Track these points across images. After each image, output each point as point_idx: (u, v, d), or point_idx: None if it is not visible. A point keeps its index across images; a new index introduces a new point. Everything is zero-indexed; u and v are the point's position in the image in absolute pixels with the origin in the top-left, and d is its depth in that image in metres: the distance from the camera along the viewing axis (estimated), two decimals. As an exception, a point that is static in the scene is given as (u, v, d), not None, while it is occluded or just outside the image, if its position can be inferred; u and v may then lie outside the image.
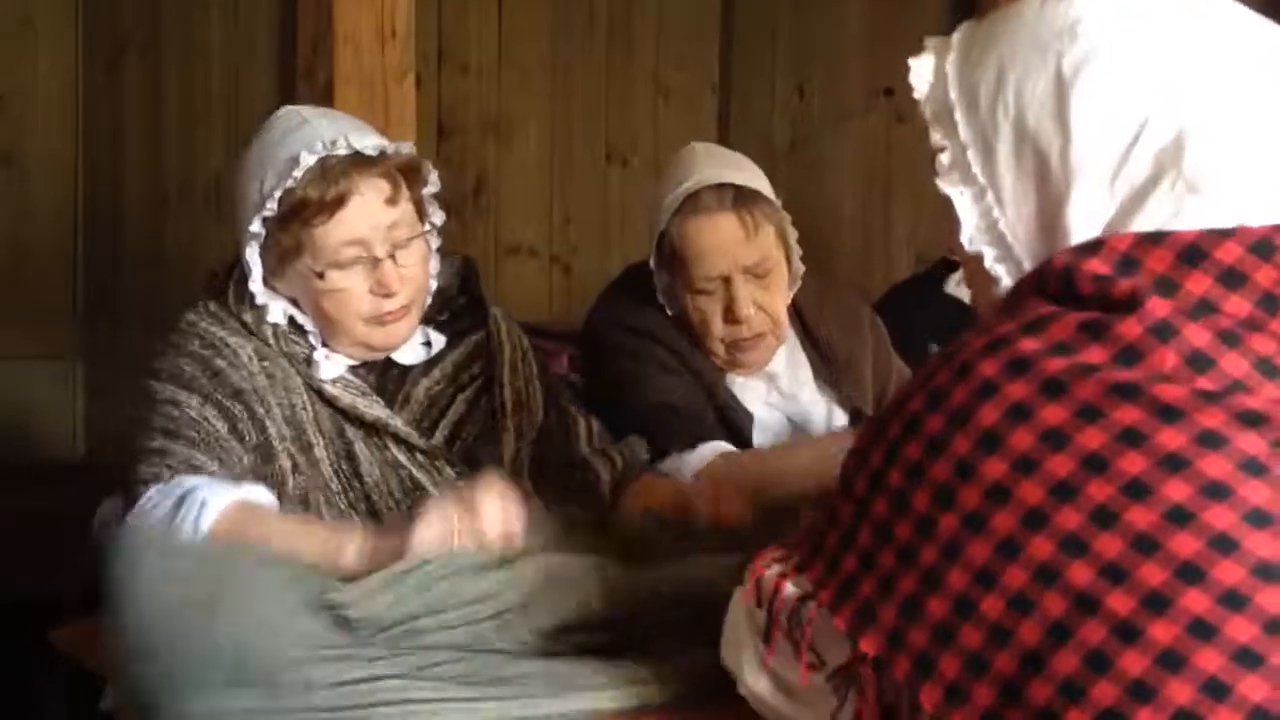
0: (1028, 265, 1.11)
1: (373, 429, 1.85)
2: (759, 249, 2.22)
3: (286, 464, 1.79)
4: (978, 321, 1.13)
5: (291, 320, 1.87)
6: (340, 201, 1.79)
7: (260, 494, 1.71)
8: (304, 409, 1.84)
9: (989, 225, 1.12)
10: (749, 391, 2.32)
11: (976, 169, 1.11)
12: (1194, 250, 1.02)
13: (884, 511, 1.04)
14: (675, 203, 2.21)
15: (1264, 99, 1.07)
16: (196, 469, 1.71)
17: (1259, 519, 0.94)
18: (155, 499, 1.68)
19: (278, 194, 1.78)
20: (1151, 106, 1.05)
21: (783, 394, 2.36)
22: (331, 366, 1.86)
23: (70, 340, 3.70)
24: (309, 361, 1.85)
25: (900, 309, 2.75)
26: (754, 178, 2.29)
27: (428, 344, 1.98)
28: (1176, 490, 0.95)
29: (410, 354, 1.96)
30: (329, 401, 1.84)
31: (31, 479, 3.28)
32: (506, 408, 1.96)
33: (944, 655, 0.99)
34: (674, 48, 4.23)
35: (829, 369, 2.40)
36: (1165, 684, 0.92)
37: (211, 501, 1.65)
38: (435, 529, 1.53)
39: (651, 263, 2.27)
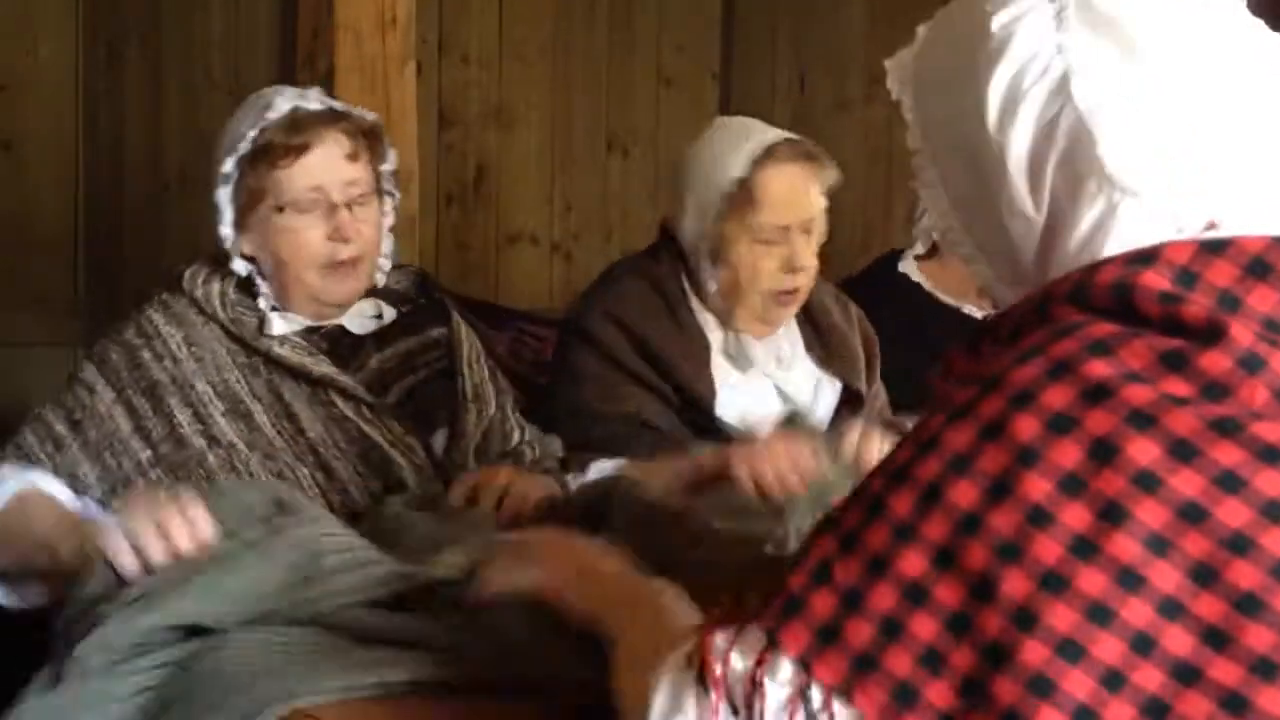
0: (994, 264, 1.06)
1: (318, 384, 1.95)
2: (816, 205, 2.38)
3: (200, 444, 1.89)
4: (981, 329, 1.04)
5: (244, 288, 1.99)
6: (305, 148, 1.93)
7: (49, 483, 1.81)
8: (238, 382, 1.94)
9: (951, 225, 1.08)
10: (758, 352, 2.41)
11: (931, 170, 1.08)
12: (1259, 263, 0.93)
13: (917, 571, 0.90)
14: (756, 150, 2.33)
15: (1190, 76, 0.98)
16: (76, 478, 1.84)
17: None
18: None
19: (251, 135, 1.93)
20: (1057, 104, 0.98)
21: (779, 362, 2.44)
22: (283, 324, 1.98)
23: (71, 328, 3.70)
24: (261, 322, 1.97)
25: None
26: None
27: (379, 316, 2.07)
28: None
29: (360, 323, 2.05)
30: (275, 363, 1.95)
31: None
32: (468, 394, 2.05)
33: None
34: (675, 36, 4.23)
35: (822, 344, 2.48)
36: None
37: (8, 484, 1.78)
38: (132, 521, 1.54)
39: (714, 213, 2.34)
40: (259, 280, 2.00)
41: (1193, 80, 0.98)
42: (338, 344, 2.02)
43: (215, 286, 1.99)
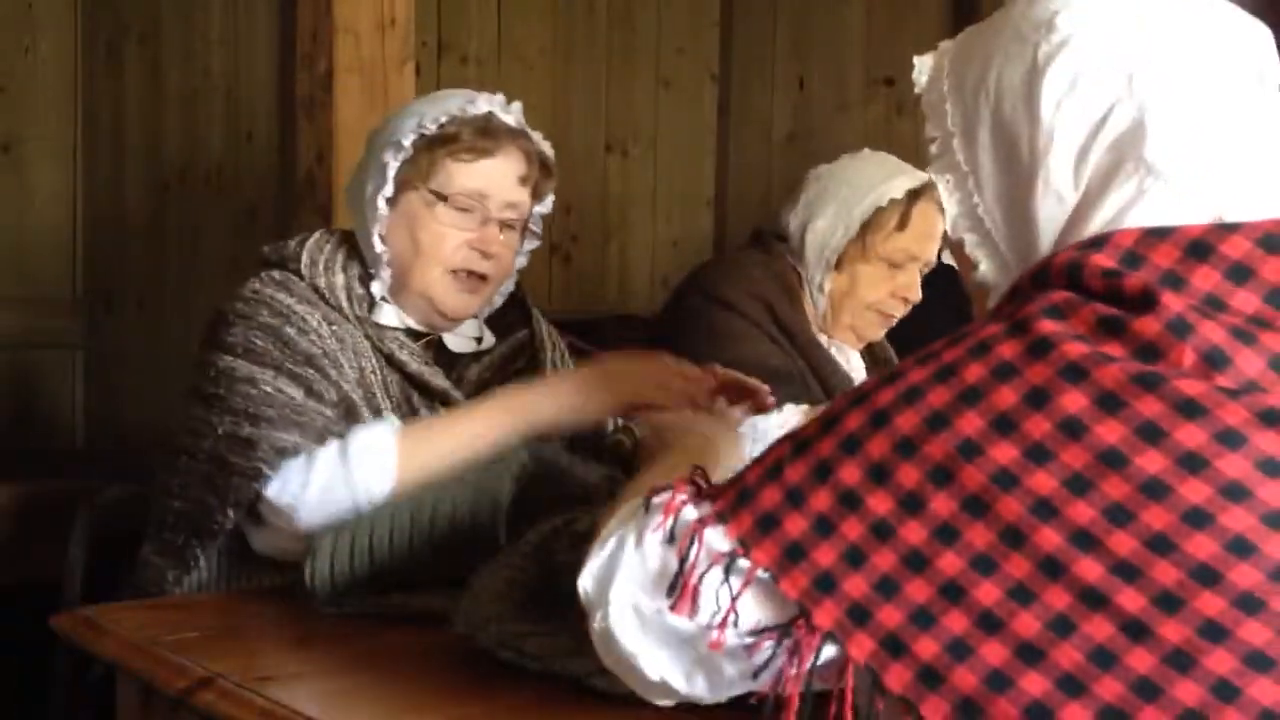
0: (1004, 250, 1.13)
1: (436, 398, 1.92)
2: (934, 253, 2.57)
3: (369, 417, 1.84)
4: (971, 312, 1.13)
5: (363, 283, 1.94)
6: (488, 151, 1.93)
7: (378, 431, 1.79)
8: (373, 373, 1.89)
9: (969, 210, 1.15)
10: (851, 362, 2.57)
11: (960, 156, 1.15)
12: (1200, 245, 1.02)
13: (855, 479, 1.02)
14: (916, 182, 2.51)
15: (1227, 88, 1.08)
16: (281, 452, 1.75)
17: (1277, 521, 0.92)
18: (289, 484, 1.74)
19: (442, 120, 1.90)
20: (1116, 95, 1.07)
21: (854, 374, 2.59)
22: (390, 314, 1.94)
23: (70, 328, 3.71)
24: (372, 307, 1.92)
25: None
26: None
27: (479, 339, 2.05)
28: (1195, 491, 0.93)
29: (461, 342, 2.02)
30: (397, 367, 1.90)
31: (32, 466, 3.29)
32: None
33: (921, 638, 0.97)
34: (674, 38, 4.23)
35: (871, 358, 2.65)
36: (1173, 684, 0.91)
37: (374, 438, 1.75)
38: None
39: (852, 225, 2.49)
40: (382, 268, 1.93)
41: (1221, 85, 1.08)
42: (438, 354, 1.99)
43: (339, 278, 1.92)
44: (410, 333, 1.97)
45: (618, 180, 4.20)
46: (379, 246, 1.92)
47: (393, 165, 1.90)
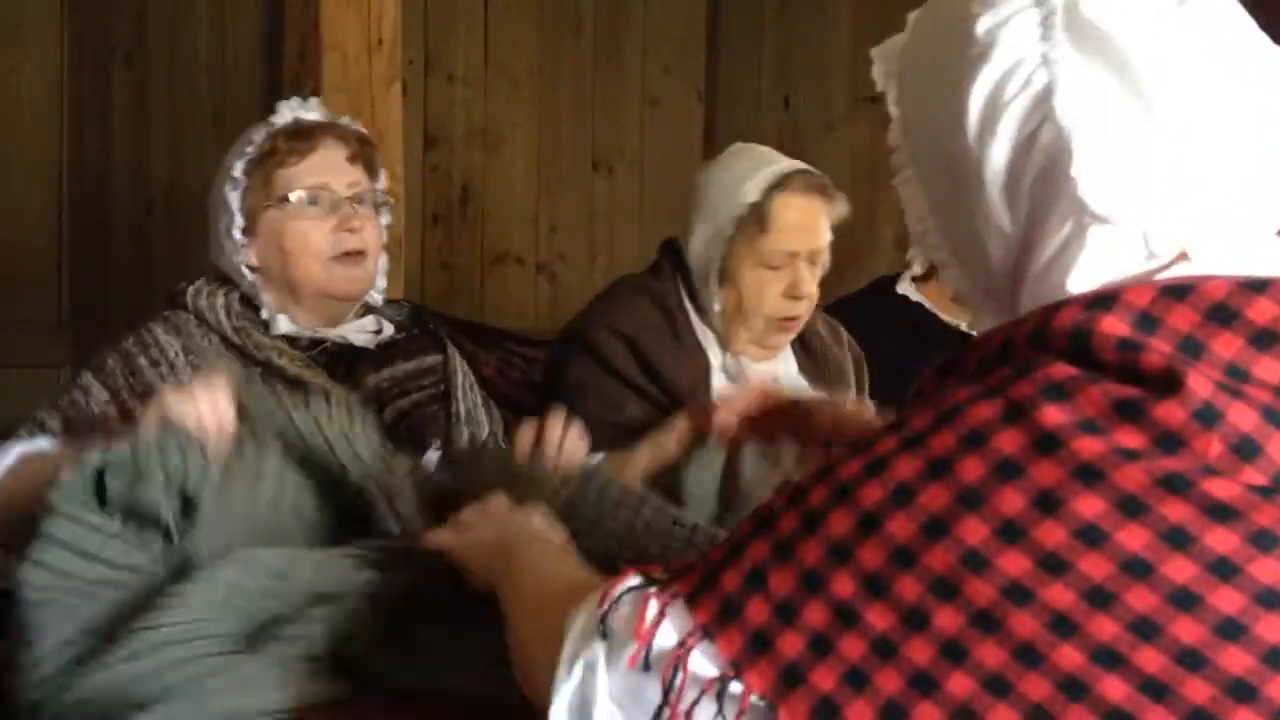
0: (970, 270, 1.04)
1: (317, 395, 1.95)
2: (824, 238, 2.44)
3: None
4: (957, 364, 1.01)
5: (246, 303, 2.05)
6: (309, 150, 2.04)
7: (44, 443, 1.83)
8: None
9: (928, 228, 1.06)
10: (756, 373, 2.44)
11: (911, 170, 1.05)
12: (1223, 309, 0.91)
13: (850, 593, 0.92)
14: (771, 178, 2.40)
15: (1170, 97, 0.94)
16: (40, 424, 1.93)
17: None
18: None
19: (258, 139, 2.04)
20: (1038, 117, 0.94)
21: (776, 383, 2.43)
22: (288, 324, 2.04)
23: (55, 348, 3.69)
24: (266, 325, 2.03)
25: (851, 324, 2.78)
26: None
27: (378, 331, 2.12)
28: (1227, 601, 0.86)
29: (361, 335, 2.10)
30: (274, 373, 1.96)
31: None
32: (461, 417, 2.09)
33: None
34: (661, 57, 4.24)
35: (814, 366, 2.53)
36: None
37: (10, 452, 1.77)
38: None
39: (727, 233, 2.40)
40: (263, 292, 2.05)
41: (1181, 107, 0.94)
42: (336, 361, 2.05)
43: (220, 299, 2.05)
44: (301, 342, 2.04)
45: (604, 198, 4.20)
46: (249, 276, 2.05)
47: (234, 197, 2.04)
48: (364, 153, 2.11)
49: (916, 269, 3.12)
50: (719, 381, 2.45)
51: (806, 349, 2.54)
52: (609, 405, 2.34)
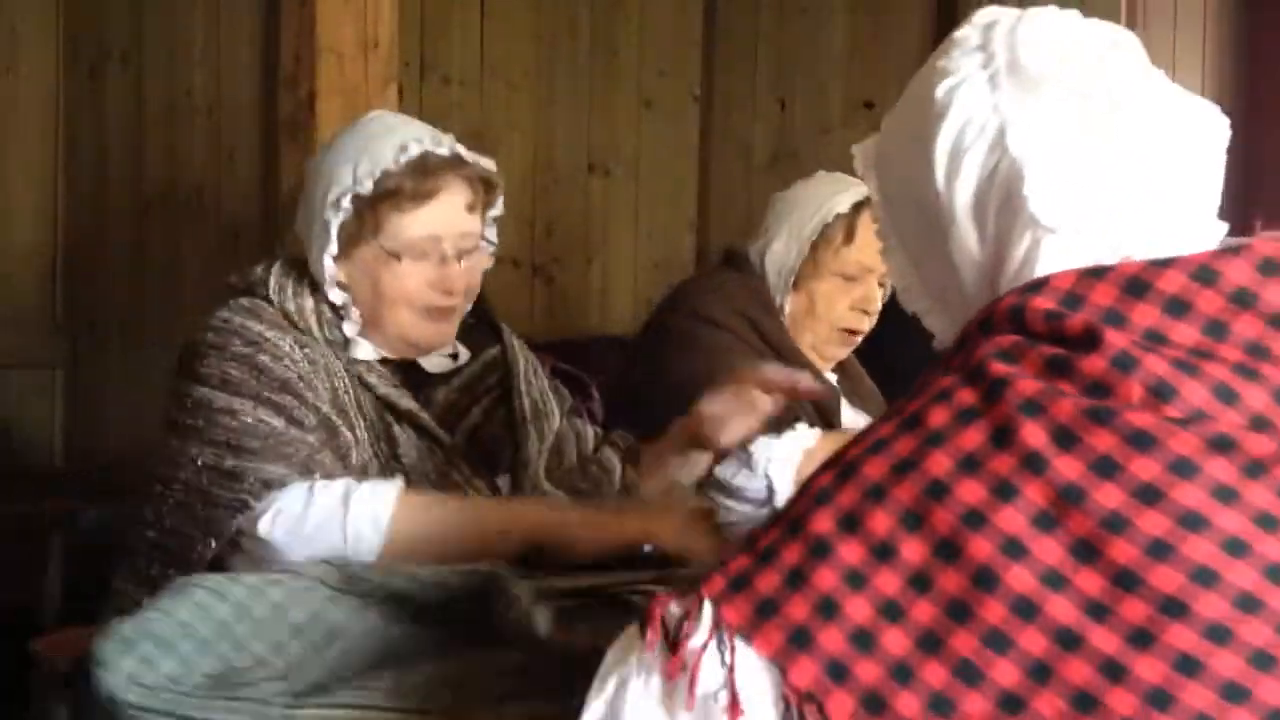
0: (947, 310, 1.17)
1: (404, 419, 1.92)
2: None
3: (349, 436, 1.86)
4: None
5: (335, 311, 1.93)
6: (431, 194, 1.91)
7: (385, 485, 1.77)
8: (345, 392, 1.90)
9: (912, 284, 1.20)
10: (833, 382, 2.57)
11: (893, 236, 1.20)
12: (1137, 282, 1.04)
13: (826, 529, 1.00)
14: (861, 195, 2.48)
15: (1105, 119, 1.10)
16: (268, 484, 1.76)
17: (1236, 548, 0.93)
18: (283, 517, 1.73)
19: (376, 175, 1.88)
20: (995, 154, 1.10)
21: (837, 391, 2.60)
22: (368, 350, 1.94)
23: (50, 349, 3.69)
24: (347, 344, 1.93)
25: None
26: None
27: (454, 355, 2.06)
28: (1154, 523, 0.94)
29: (436, 362, 2.03)
30: (368, 388, 1.91)
31: (10, 488, 3.27)
32: (526, 415, 2.03)
33: (901, 694, 0.95)
34: (656, 59, 4.24)
35: (853, 389, 2.65)
36: None
37: (372, 495, 1.73)
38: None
39: (803, 241, 2.52)
40: (350, 308, 1.94)
41: (1105, 130, 1.10)
42: (408, 376, 1.99)
43: (308, 302, 1.92)
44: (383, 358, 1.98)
45: (600, 201, 4.20)
46: (340, 297, 1.93)
47: (335, 224, 1.90)
48: (485, 198, 1.99)
49: None
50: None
51: (844, 371, 2.65)
52: (749, 367, 2.36)
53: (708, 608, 1.01)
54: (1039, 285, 1.06)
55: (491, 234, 2.05)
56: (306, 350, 1.88)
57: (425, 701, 1.29)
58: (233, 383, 1.83)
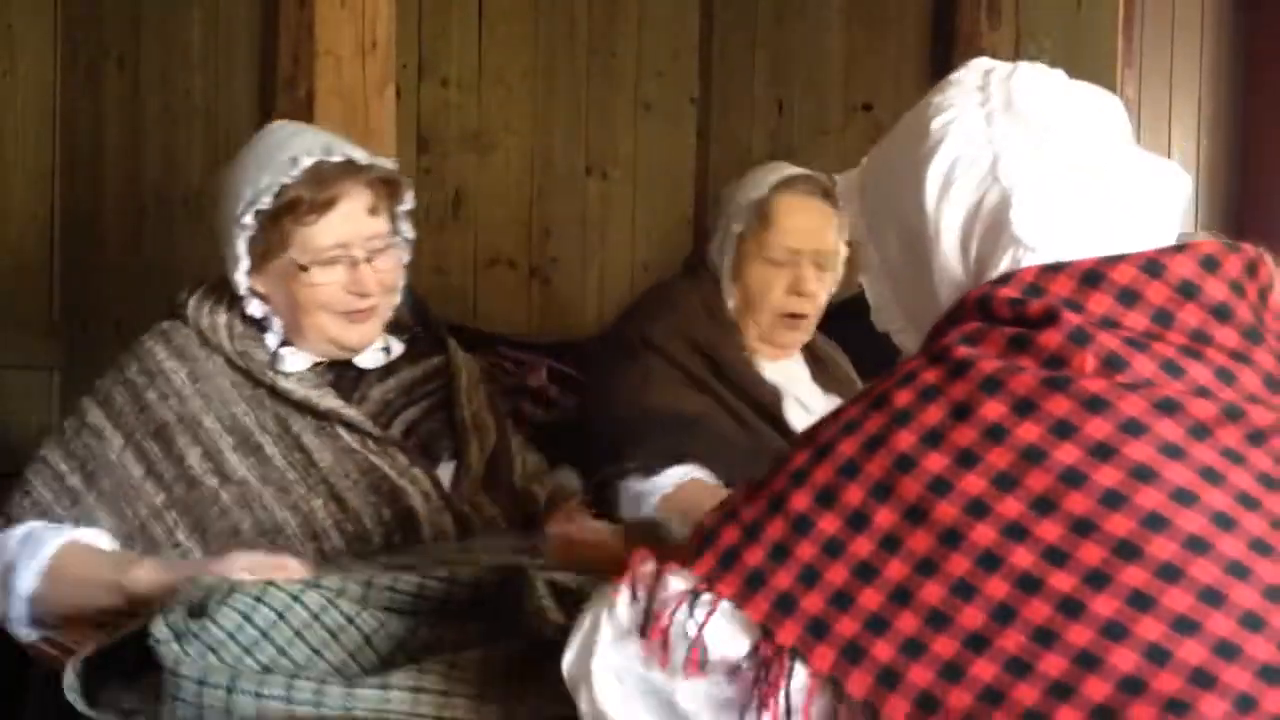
0: (922, 334, 1.23)
1: (324, 418, 1.96)
2: (830, 242, 2.58)
3: (213, 482, 1.89)
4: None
5: (254, 323, 2.00)
6: (330, 204, 1.95)
7: (94, 536, 1.83)
8: (245, 415, 1.94)
9: (889, 301, 1.29)
10: (787, 372, 2.59)
11: (875, 255, 1.29)
12: (1092, 273, 1.15)
13: (804, 505, 1.10)
14: (778, 178, 2.57)
15: (1081, 158, 1.21)
16: (95, 521, 1.85)
17: (1185, 498, 1.03)
18: (12, 537, 1.84)
19: (275, 189, 1.92)
20: (986, 182, 1.21)
21: (795, 382, 2.62)
22: (295, 361, 1.99)
23: (47, 350, 3.69)
24: (273, 358, 1.98)
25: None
26: None
27: (386, 349, 2.11)
28: (1108, 476, 1.04)
29: (369, 358, 2.07)
30: (280, 396, 1.95)
31: (6, 490, 3.26)
32: (467, 423, 2.07)
33: (878, 641, 1.04)
34: (654, 60, 4.24)
35: (823, 374, 2.66)
36: (1110, 652, 0.99)
37: (48, 542, 1.80)
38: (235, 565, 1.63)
39: (733, 230, 2.56)
40: (272, 318, 2.00)
41: (1079, 160, 1.21)
42: (341, 376, 2.04)
43: (222, 318, 1.99)
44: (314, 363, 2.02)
45: (597, 203, 4.20)
46: (259, 310, 1.99)
47: (242, 241, 1.95)
48: (387, 197, 2.02)
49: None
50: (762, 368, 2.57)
51: (816, 359, 2.66)
52: (677, 396, 2.44)
53: (684, 577, 1.12)
54: (1005, 279, 1.17)
55: (407, 229, 2.07)
56: (199, 384, 1.93)
57: (477, 686, 1.36)
58: (114, 409, 1.93)
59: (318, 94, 2.70)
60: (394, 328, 2.12)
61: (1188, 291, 1.14)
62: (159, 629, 1.42)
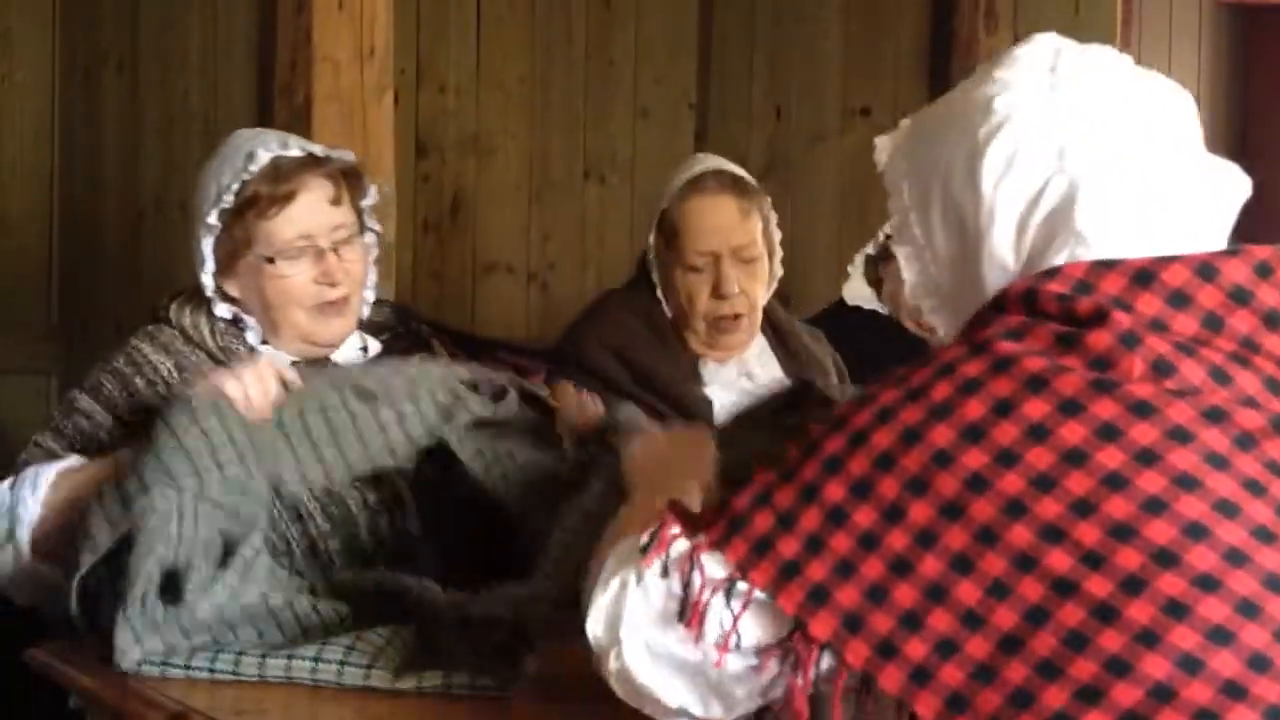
0: (958, 315, 1.20)
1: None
2: (748, 233, 2.47)
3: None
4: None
5: (233, 321, 2.02)
6: (290, 196, 1.96)
7: (76, 460, 1.86)
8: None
9: (926, 280, 1.24)
10: (721, 377, 2.52)
11: (917, 230, 1.23)
12: (1144, 274, 1.11)
13: (839, 496, 1.08)
14: (680, 183, 2.47)
15: (1148, 156, 1.17)
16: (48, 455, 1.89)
17: (1227, 509, 1.01)
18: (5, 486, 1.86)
19: (234, 187, 1.95)
20: (1050, 170, 1.16)
21: (752, 378, 2.55)
22: (271, 353, 1.99)
23: (45, 354, 3.69)
24: (252, 356, 1.98)
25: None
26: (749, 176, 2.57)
27: (364, 349, 2.10)
28: (1151, 482, 1.02)
29: (346, 355, 2.07)
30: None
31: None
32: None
33: (911, 639, 1.03)
34: (652, 66, 4.24)
35: (796, 364, 2.59)
36: (1142, 659, 0.97)
37: (43, 472, 1.82)
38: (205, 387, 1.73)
39: (650, 243, 2.51)
40: (245, 317, 2.02)
41: (1144, 155, 1.18)
42: (318, 372, 2.03)
43: (203, 318, 2.02)
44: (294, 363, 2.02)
45: (595, 208, 4.20)
46: (229, 312, 2.02)
47: (207, 243, 1.98)
48: (349, 189, 2.03)
49: (856, 276, 3.16)
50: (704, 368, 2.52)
51: (787, 349, 2.60)
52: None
53: (719, 562, 1.11)
54: (1052, 273, 1.13)
55: (373, 224, 2.09)
56: (184, 374, 1.95)
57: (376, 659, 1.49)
58: (103, 394, 1.95)
59: (315, 100, 2.70)
60: (373, 329, 2.13)
61: (1240, 297, 1.11)
62: (122, 633, 1.52)
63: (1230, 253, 1.14)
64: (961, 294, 1.21)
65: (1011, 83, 1.20)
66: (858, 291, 3.18)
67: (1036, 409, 1.05)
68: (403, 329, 2.18)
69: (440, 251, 3.94)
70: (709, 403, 2.47)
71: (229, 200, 1.96)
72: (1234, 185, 1.22)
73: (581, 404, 2.09)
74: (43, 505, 1.80)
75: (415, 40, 3.86)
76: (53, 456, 1.89)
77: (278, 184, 1.96)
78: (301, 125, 2.68)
